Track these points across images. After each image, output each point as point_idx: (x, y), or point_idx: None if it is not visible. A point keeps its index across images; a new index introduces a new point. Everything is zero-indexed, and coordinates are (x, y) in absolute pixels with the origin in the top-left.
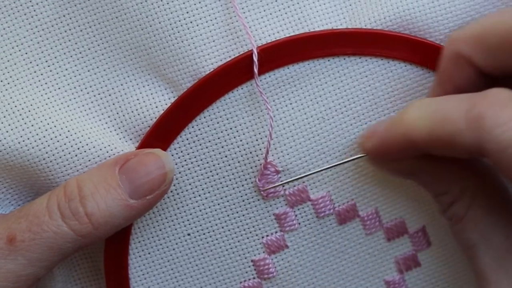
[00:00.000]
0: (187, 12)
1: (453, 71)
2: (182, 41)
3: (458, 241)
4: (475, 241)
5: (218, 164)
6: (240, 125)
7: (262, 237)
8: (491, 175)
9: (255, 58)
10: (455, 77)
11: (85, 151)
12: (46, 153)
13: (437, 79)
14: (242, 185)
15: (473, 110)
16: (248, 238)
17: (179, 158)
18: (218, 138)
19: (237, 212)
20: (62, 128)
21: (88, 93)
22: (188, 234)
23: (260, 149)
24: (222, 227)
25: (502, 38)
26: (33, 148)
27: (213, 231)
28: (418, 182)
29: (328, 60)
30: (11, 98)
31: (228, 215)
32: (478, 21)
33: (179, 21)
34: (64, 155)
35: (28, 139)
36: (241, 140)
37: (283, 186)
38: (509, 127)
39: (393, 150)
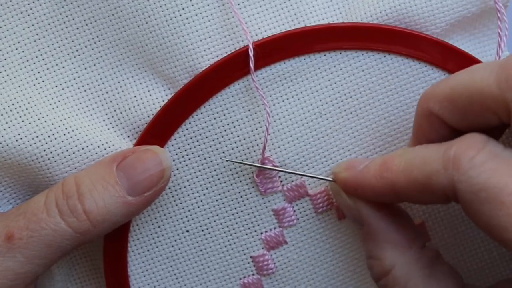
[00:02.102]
0: (183, 9)
1: (426, 128)
2: (178, 38)
3: None
4: None
5: (216, 160)
6: (237, 120)
7: (261, 233)
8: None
9: (251, 54)
10: (428, 133)
11: (82, 149)
12: (44, 151)
13: (413, 134)
14: (240, 181)
15: (449, 150)
16: (247, 234)
17: (176, 154)
18: (215, 134)
19: (235, 208)
20: (59, 126)
21: (85, 90)
22: (187, 231)
23: (258, 145)
24: (221, 224)
25: (470, 99)
26: (30, 146)
27: (212, 227)
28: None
29: (325, 55)
30: (8, 96)
31: (226, 211)
32: (449, 79)
33: (175, 17)
34: (62, 153)
35: (26, 137)
36: (238, 136)
37: (281, 181)
38: (484, 169)
39: (365, 188)
